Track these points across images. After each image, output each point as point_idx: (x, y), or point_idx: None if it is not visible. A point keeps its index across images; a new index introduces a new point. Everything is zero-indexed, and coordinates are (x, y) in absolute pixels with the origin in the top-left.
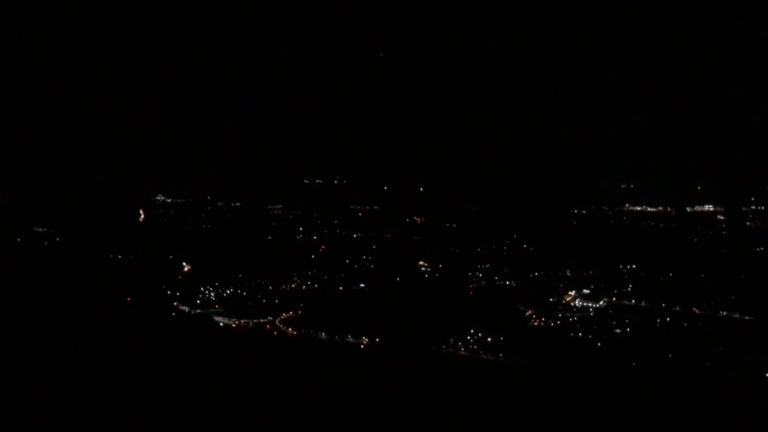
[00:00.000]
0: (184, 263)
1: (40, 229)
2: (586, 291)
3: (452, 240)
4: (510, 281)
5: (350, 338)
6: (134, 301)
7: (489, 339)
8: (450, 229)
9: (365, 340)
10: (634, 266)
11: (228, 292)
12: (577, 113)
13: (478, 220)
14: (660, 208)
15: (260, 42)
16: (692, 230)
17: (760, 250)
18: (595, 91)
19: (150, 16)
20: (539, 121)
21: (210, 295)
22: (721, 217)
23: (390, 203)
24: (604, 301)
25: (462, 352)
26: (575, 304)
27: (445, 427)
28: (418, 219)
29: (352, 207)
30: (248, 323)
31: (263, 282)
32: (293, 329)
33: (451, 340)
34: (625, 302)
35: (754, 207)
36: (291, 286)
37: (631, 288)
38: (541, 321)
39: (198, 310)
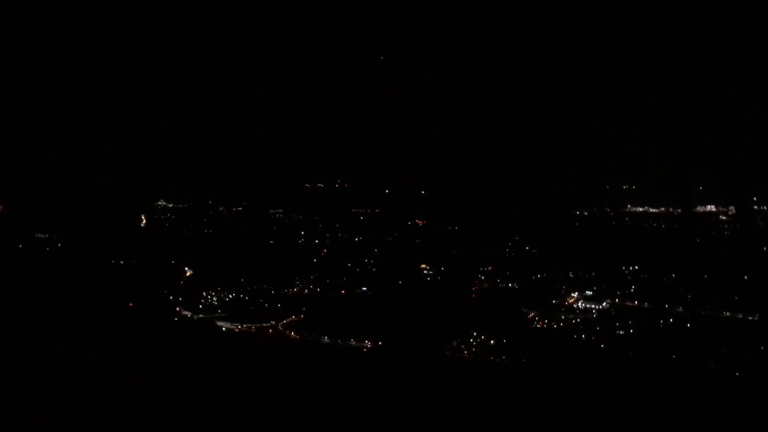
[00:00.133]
0: (186, 268)
1: (42, 235)
2: (588, 292)
3: (454, 242)
4: (512, 283)
5: (353, 342)
6: (136, 306)
7: (492, 341)
8: (452, 231)
9: (368, 343)
10: (636, 267)
11: (230, 296)
12: (578, 114)
13: (479, 222)
14: (662, 208)
15: (261, 47)
16: (695, 231)
17: (764, 249)
18: (595, 91)
19: (151, 20)
20: (540, 122)
21: (212, 300)
22: (724, 218)
23: (391, 206)
24: (607, 303)
25: (465, 355)
26: (578, 306)
27: (449, 429)
28: (419, 222)
29: (353, 210)
30: (251, 328)
31: (265, 286)
32: (296, 333)
33: (454, 342)
34: (628, 303)
35: (756, 207)
36: (293, 290)
37: (633, 289)
38: (543, 323)
39: (200, 315)
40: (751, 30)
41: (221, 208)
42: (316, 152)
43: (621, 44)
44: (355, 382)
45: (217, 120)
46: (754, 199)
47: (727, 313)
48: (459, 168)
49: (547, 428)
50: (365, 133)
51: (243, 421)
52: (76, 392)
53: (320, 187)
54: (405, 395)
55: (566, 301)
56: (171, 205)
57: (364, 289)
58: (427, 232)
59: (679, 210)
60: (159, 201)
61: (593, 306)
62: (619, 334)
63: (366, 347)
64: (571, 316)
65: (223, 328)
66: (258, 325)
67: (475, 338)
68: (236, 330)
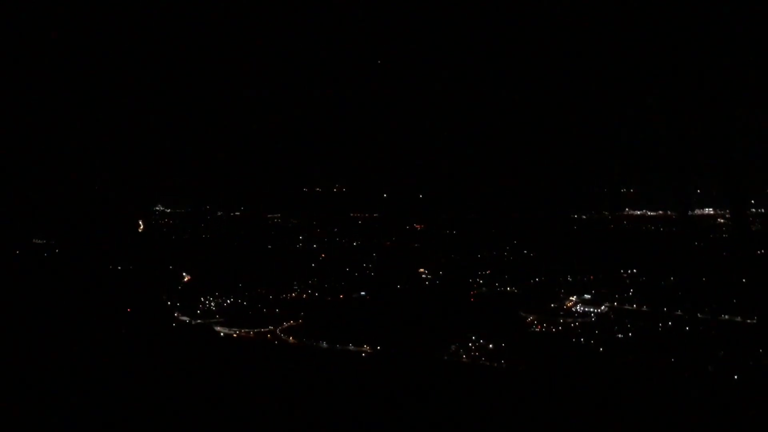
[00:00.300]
0: (184, 273)
1: (39, 241)
2: (587, 296)
3: (452, 246)
4: (511, 287)
5: (351, 346)
6: (134, 311)
7: (490, 345)
8: (450, 235)
9: (367, 347)
10: (635, 270)
11: (228, 301)
12: (577, 118)
13: (478, 226)
14: (660, 212)
15: (258, 52)
16: (693, 234)
17: (761, 252)
18: (594, 95)
19: (147, 27)
20: (538, 126)
21: (210, 305)
22: (721, 221)
23: (389, 210)
24: (606, 306)
25: (463, 359)
26: (576, 309)
27: None
28: (417, 226)
29: (351, 215)
30: (249, 333)
31: (263, 291)
32: (294, 338)
33: (453, 346)
34: (627, 307)
35: (754, 210)
36: (291, 294)
37: (632, 292)
38: (542, 327)
39: (198, 321)
40: (749, 36)
41: (219, 213)
42: (313, 157)
43: (620, 50)
44: (353, 386)
45: (215, 125)
46: (752, 201)
47: (726, 316)
48: (457, 172)
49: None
50: (363, 138)
51: (242, 426)
52: (75, 397)
53: (318, 191)
54: (404, 400)
55: (565, 304)
56: (169, 210)
57: (363, 293)
58: (426, 237)
59: (676, 213)
60: (156, 206)
61: (592, 309)
62: (617, 337)
63: (365, 352)
64: (569, 320)
65: (221, 334)
66: (256, 330)
67: (473, 342)
68: (234, 335)
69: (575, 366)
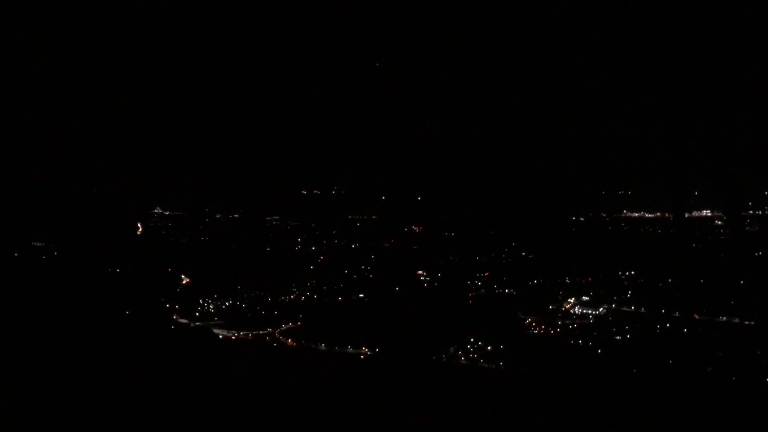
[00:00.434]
0: (182, 276)
1: (38, 243)
2: (585, 298)
3: (451, 248)
4: (509, 289)
5: (350, 348)
6: (133, 314)
7: (489, 347)
8: (448, 237)
9: (365, 350)
10: (633, 272)
11: (227, 304)
12: (575, 120)
13: (476, 228)
14: (658, 214)
15: (256, 54)
16: (690, 235)
17: (759, 254)
18: (592, 96)
19: (145, 30)
20: (537, 128)
21: (209, 308)
22: (719, 222)
23: (388, 213)
24: (604, 308)
25: (462, 361)
26: (575, 311)
27: None
28: (416, 228)
29: (350, 217)
30: (248, 335)
31: (262, 293)
32: (293, 340)
33: (451, 348)
34: (625, 308)
35: (752, 212)
36: (290, 297)
37: (630, 294)
38: (541, 328)
39: (197, 323)
40: (747, 37)
41: (218, 215)
42: (312, 159)
43: (619, 52)
44: (352, 388)
45: (213, 127)
46: (749, 203)
47: (724, 318)
48: (455, 174)
49: None
50: (361, 140)
51: (241, 427)
52: (75, 399)
53: (317, 193)
54: (403, 401)
55: (563, 306)
56: (167, 213)
57: (361, 295)
58: (424, 239)
59: (673, 215)
60: (155, 208)
61: (590, 311)
62: (615, 339)
63: (363, 354)
64: (567, 322)
65: (220, 336)
66: (255, 332)
67: (472, 344)
68: (233, 337)
69: (574, 368)
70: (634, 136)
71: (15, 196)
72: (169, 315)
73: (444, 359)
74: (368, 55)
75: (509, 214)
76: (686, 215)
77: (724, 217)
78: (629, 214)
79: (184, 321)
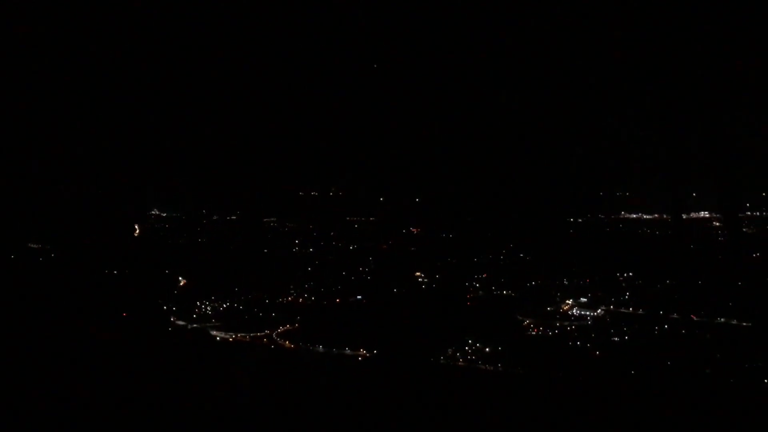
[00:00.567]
0: (180, 277)
1: (35, 245)
2: (583, 299)
3: (449, 250)
4: (507, 290)
5: (348, 350)
6: (130, 316)
7: (487, 349)
8: (446, 239)
9: (363, 351)
10: (631, 274)
11: (224, 306)
12: (572, 121)
13: (474, 230)
14: (656, 215)
15: (252, 56)
16: (688, 237)
17: (757, 255)
18: (589, 98)
19: (140, 31)
20: (534, 129)
21: (206, 310)
22: (717, 224)
23: (386, 214)
24: (602, 309)
25: (460, 363)
26: (573, 313)
27: None
28: (414, 230)
29: (348, 219)
30: (245, 337)
31: (259, 295)
32: (290, 342)
33: (450, 350)
34: (623, 310)
35: (749, 213)
36: (287, 299)
37: (628, 296)
38: (539, 330)
39: (194, 325)
40: (744, 39)
41: (215, 217)
42: (310, 160)
43: (614, 54)
44: (350, 390)
45: (210, 128)
46: (747, 205)
47: (722, 319)
48: (453, 176)
49: None
50: (359, 141)
51: (239, 429)
52: (72, 401)
53: (314, 195)
54: (401, 403)
55: (561, 308)
56: (164, 215)
57: (359, 297)
58: (422, 240)
59: (670, 216)
60: (152, 210)
61: (588, 313)
62: (614, 340)
63: (361, 355)
64: (566, 323)
65: (218, 338)
66: (252, 334)
67: (470, 346)
68: (230, 339)
69: (572, 369)
70: (632, 138)
71: (11, 198)
72: (166, 317)
73: (442, 361)
74: (366, 55)
75: (507, 215)
76: (684, 216)
77: (720, 218)
78: (627, 215)
79: (181, 323)
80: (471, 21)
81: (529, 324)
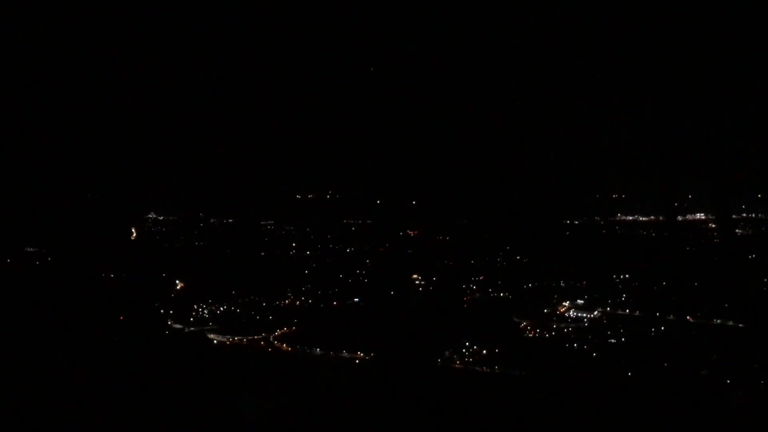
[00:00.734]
0: (177, 281)
1: (31, 249)
2: (580, 301)
3: (446, 252)
4: (504, 293)
5: (345, 353)
6: (127, 319)
7: (484, 351)
8: (443, 241)
9: (361, 354)
10: (627, 276)
11: (221, 309)
12: (568, 123)
13: (471, 232)
14: (652, 217)
15: (248, 58)
16: (684, 239)
17: (752, 257)
18: (585, 101)
19: (136, 35)
20: (530, 132)
21: (203, 313)
22: (713, 226)
23: (383, 217)
24: (599, 311)
25: (457, 365)
26: (570, 315)
27: None
28: (411, 232)
29: (345, 221)
30: (242, 340)
31: (257, 298)
32: (288, 345)
33: (447, 352)
34: (620, 312)
35: (745, 215)
36: (285, 302)
37: (625, 297)
38: (536, 332)
39: (191, 328)
40: (739, 43)
41: (212, 220)
42: (307, 163)
43: (610, 56)
44: (348, 393)
45: (207, 131)
46: (743, 206)
47: (718, 321)
48: (451, 178)
49: None
50: (356, 144)
51: None
52: (69, 404)
53: (311, 198)
54: (398, 406)
55: (558, 310)
56: (161, 218)
57: (356, 300)
58: (419, 243)
59: (665, 218)
60: (149, 213)
61: (585, 315)
62: (611, 342)
63: (359, 358)
64: (563, 325)
65: (215, 341)
66: (249, 337)
67: (467, 348)
68: (228, 342)
69: (569, 371)
70: (628, 140)
71: (7, 201)
72: (163, 320)
73: (439, 363)
74: (363, 58)
75: (504, 217)
76: (680, 218)
77: (713, 220)
78: (623, 217)
79: (178, 326)
80: (463, 26)
81: (526, 326)
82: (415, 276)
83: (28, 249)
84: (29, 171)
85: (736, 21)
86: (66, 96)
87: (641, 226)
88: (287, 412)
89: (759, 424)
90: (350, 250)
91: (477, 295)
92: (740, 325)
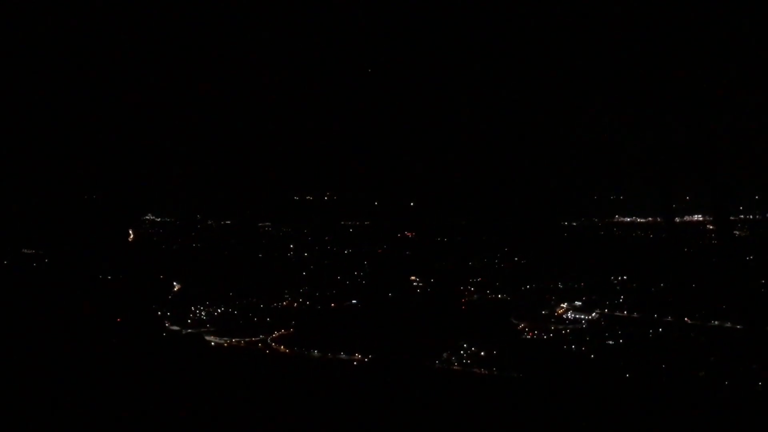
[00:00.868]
0: (174, 282)
1: (29, 251)
2: (578, 303)
3: (443, 254)
4: (502, 294)
5: (343, 355)
6: (125, 321)
7: (482, 353)
8: (441, 243)
9: (358, 356)
10: (625, 277)
11: (219, 311)
12: (566, 125)
13: (469, 234)
14: (650, 218)
15: (247, 62)
16: (681, 240)
17: (750, 258)
18: (583, 102)
19: (137, 38)
20: (528, 134)
21: (201, 315)
22: (710, 227)
23: (381, 218)
24: (596, 313)
25: (455, 366)
26: (567, 316)
27: None
28: (408, 234)
29: (342, 223)
30: (240, 342)
31: (254, 300)
32: (285, 347)
33: (445, 354)
34: (617, 313)
35: (743, 216)
36: (282, 303)
37: (622, 299)
38: (534, 334)
39: (189, 330)
40: (737, 45)
41: (209, 222)
42: (304, 165)
43: (608, 58)
44: (346, 395)
45: (205, 133)
46: (740, 208)
47: (715, 322)
48: (448, 180)
49: None
50: (354, 145)
51: None
52: (66, 405)
53: (309, 199)
54: (396, 408)
55: (556, 311)
56: (158, 219)
57: (354, 301)
58: (417, 244)
59: (663, 219)
60: (147, 215)
61: (583, 316)
62: (608, 344)
63: (356, 360)
64: (560, 327)
65: (212, 343)
66: (247, 339)
67: (465, 350)
68: (225, 344)
69: (567, 373)
70: (626, 142)
71: (5, 204)
72: (160, 322)
73: (437, 365)
74: (360, 61)
75: (502, 219)
76: (677, 220)
77: (712, 221)
78: (621, 219)
79: (175, 328)
80: (461, 31)
81: (524, 328)
82: (413, 278)
83: (26, 251)
84: (27, 173)
85: (734, 24)
86: (64, 100)
87: (639, 227)
88: (285, 414)
89: (757, 424)
90: (348, 251)
91: (475, 296)
92: (738, 327)
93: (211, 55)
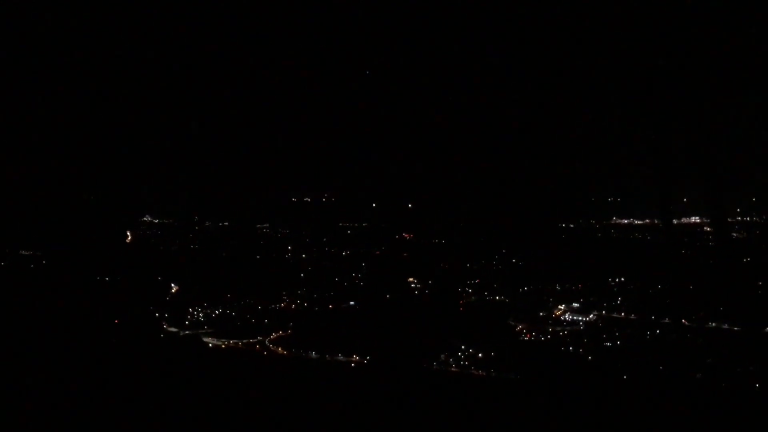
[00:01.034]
0: (172, 284)
1: (27, 252)
2: (575, 304)
3: (441, 256)
4: (500, 296)
5: (341, 356)
6: (123, 322)
7: (480, 354)
8: (439, 244)
9: (356, 357)
10: (622, 279)
11: (217, 312)
12: (564, 128)
13: (467, 236)
14: (647, 220)
15: (245, 64)
16: (679, 242)
17: (747, 260)
18: (581, 105)
19: (135, 39)
20: (527, 137)
21: (199, 316)
22: (708, 229)
23: (379, 220)
24: (594, 315)
25: (453, 368)
26: (565, 318)
27: None
28: (406, 235)
29: (340, 224)
30: (238, 343)
31: (252, 302)
32: (283, 349)
33: (442, 355)
34: (615, 315)
35: (740, 218)
36: (280, 305)
37: (620, 301)
38: (531, 335)
39: (187, 331)
40: (734, 47)
41: (207, 223)
42: (302, 166)
43: (606, 61)
44: (343, 396)
45: (203, 135)
46: (738, 210)
47: (713, 324)
48: (446, 182)
49: None
50: (352, 147)
51: None
52: (65, 406)
53: (307, 201)
54: (395, 409)
55: (553, 313)
56: (157, 221)
57: (352, 303)
58: (415, 246)
59: (661, 222)
60: (144, 216)
61: (580, 318)
62: (606, 345)
63: (354, 362)
64: (558, 329)
65: (210, 344)
66: (245, 340)
67: (463, 351)
68: (223, 346)
69: (564, 374)
70: (624, 144)
71: (2, 206)
72: (158, 323)
73: (435, 366)
74: (358, 63)
75: (500, 221)
76: (675, 222)
77: (709, 223)
78: (619, 221)
79: (173, 329)
80: (460, 32)
81: (521, 329)
82: (410, 279)
83: (23, 252)
84: (24, 175)
85: (733, 26)
86: (62, 101)
87: (637, 229)
88: (283, 415)
89: (755, 425)
90: (346, 253)
91: (473, 298)
92: (736, 329)
93: (210, 57)
